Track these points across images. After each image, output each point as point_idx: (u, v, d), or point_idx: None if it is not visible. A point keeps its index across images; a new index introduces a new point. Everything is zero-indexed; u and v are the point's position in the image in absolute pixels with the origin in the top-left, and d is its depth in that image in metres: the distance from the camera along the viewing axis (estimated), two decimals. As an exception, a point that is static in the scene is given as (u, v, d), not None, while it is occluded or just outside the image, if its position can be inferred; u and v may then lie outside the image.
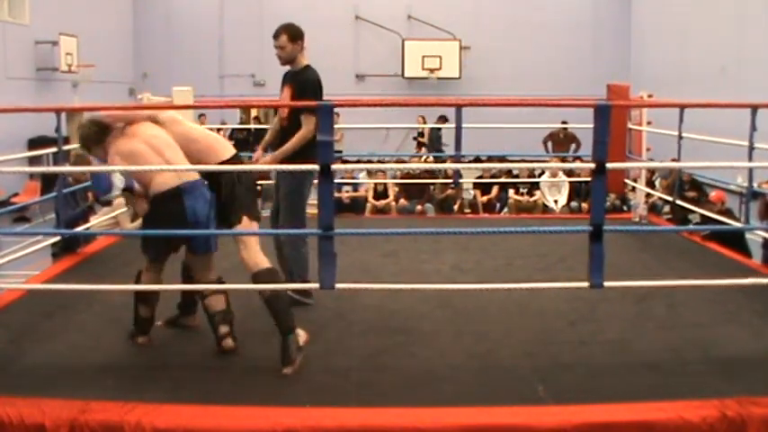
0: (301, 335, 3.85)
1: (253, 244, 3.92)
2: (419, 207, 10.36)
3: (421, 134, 16.46)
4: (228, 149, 4.14)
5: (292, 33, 4.83)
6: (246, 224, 3.95)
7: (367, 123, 14.86)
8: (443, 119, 14.89)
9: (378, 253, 6.18)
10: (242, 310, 4.62)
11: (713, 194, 7.31)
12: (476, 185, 11.21)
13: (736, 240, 6.61)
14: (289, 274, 4.78)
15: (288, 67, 4.96)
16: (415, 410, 3.24)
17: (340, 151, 14.95)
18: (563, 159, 12.13)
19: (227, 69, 19.06)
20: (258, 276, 3.88)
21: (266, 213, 11.90)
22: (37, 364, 3.85)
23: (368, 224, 8.43)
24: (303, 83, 4.84)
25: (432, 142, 15.63)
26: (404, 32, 19.08)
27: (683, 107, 6.44)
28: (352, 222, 8.10)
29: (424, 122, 15.45)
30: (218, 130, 12.28)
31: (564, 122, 13.70)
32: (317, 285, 3.66)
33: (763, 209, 7.08)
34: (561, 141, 14.54)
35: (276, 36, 4.84)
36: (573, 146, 14.50)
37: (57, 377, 3.67)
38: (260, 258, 3.91)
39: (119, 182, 4.27)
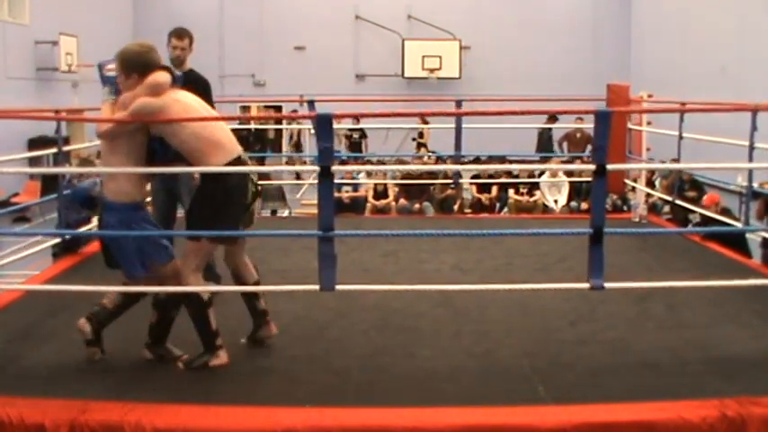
0: (221, 357, 3.77)
1: (190, 264, 3.74)
2: (417, 206, 10.36)
3: (420, 135, 16.45)
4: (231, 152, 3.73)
5: (192, 38, 5.05)
6: (195, 246, 3.73)
7: (367, 124, 14.86)
8: (554, 119, 14.44)
9: (378, 253, 6.19)
10: (242, 311, 4.63)
11: (705, 198, 7.25)
12: (475, 185, 11.20)
13: (735, 240, 6.61)
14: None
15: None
16: (415, 410, 3.24)
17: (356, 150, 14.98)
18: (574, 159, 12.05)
19: (227, 69, 19.03)
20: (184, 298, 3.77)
21: (266, 213, 11.89)
22: (37, 364, 3.85)
23: (368, 224, 8.42)
24: (202, 85, 4.98)
25: (542, 142, 15.24)
26: (404, 32, 19.08)
27: (683, 111, 6.44)
28: (351, 222, 8.10)
29: (424, 123, 15.43)
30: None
31: (579, 119, 13.43)
32: (316, 287, 3.66)
33: (763, 209, 7.08)
34: (578, 142, 14.17)
35: (182, 36, 5.01)
36: (589, 147, 14.26)
37: (57, 377, 3.67)
38: (192, 281, 3.75)
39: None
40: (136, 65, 3.64)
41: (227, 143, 3.73)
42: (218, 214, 3.69)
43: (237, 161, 3.71)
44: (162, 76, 3.65)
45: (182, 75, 3.94)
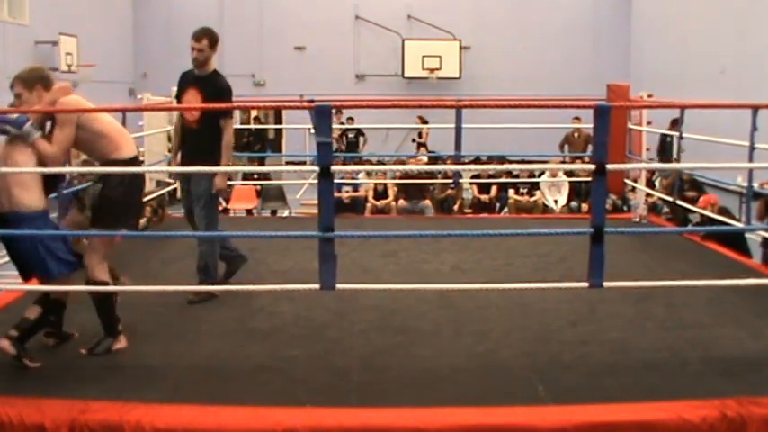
0: (121, 341, 4.03)
1: (97, 255, 3.97)
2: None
3: (420, 135, 16.45)
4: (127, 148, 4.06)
5: (213, 39, 5.02)
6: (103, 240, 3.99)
7: (366, 124, 14.86)
8: (676, 122, 13.78)
9: (378, 253, 6.18)
10: (242, 311, 4.64)
11: (701, 201, 7.22)
12: (475, 185, 11.19)
13: (735, 240, 6.61)
14: (202, 268, 5.03)
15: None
16: (415, 410, 3.25)
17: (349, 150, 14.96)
18: (574, 159, 12.01)
19: (227, 69, 18.83)
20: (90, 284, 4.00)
21: (266, 213, 11.83)
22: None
23: (368, 224, 8.42)
24: (219, 89, 4.99)
25: (664, 150, 14.70)
26: (404, 32, 19.08)
27: (683, 108, 6.44)
28: (352, 222, 8.10)
29: (423, 123, 15.43)
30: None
31: (576, 118, 13.29)
32: (317, 286, 3.66)
33: (764, 209, 7.06)
34: (576, 142, 13.97)
35: (198, 38, 4.98)
36: (590, 147, 13.96)
37: (57, 377, 3.67)
38: (98, 270, 3.96)
39: None
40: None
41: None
42: (129, 208, 4.02)
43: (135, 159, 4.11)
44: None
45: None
